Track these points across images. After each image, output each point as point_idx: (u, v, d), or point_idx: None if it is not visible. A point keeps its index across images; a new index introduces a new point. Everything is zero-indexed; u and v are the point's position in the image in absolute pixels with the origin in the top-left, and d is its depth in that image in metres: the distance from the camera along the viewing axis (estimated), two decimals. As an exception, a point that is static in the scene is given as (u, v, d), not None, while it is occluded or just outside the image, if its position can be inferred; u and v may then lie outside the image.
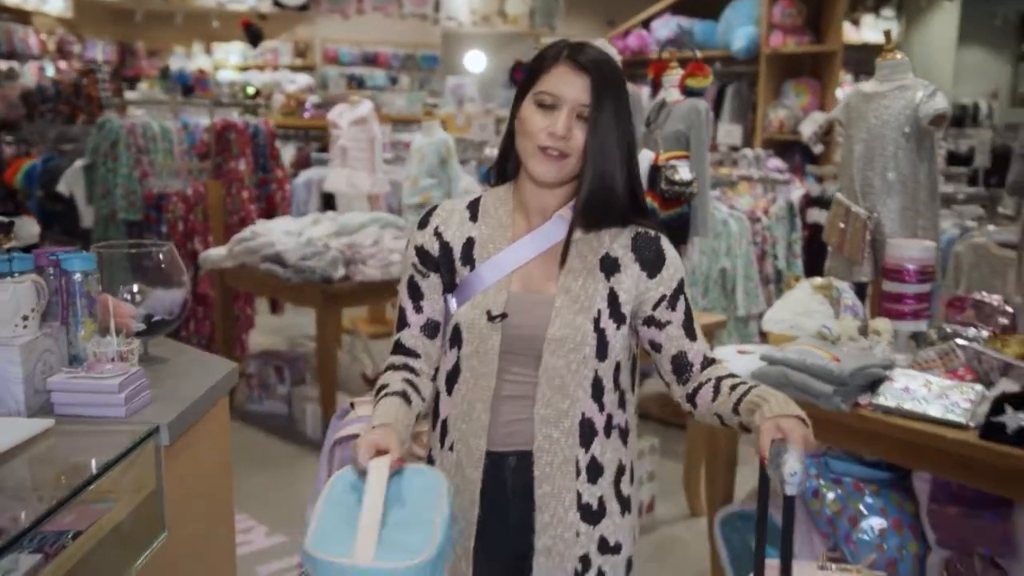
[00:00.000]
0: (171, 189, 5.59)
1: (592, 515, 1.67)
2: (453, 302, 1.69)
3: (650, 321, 1.69)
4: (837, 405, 2.68)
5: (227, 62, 12.07)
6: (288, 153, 7.50)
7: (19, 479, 1.70)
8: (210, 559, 2.28)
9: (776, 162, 6.43)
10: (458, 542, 1.63)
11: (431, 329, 1.71)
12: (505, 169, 1.74)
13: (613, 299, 1.65)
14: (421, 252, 1.70)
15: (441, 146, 5.35)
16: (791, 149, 7.15)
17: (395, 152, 6.97)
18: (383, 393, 1.63)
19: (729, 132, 6.38)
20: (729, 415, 1.62)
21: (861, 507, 2.92)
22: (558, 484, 1.65)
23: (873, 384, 2.75)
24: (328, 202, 6.38)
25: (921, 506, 2.82)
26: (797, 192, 5.46)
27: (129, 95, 7.21)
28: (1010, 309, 3.05)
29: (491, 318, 1.63)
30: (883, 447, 2.77)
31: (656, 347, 1.71)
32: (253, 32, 9.26)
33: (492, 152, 5.89)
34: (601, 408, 1.66)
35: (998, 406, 2.49)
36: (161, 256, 2.29)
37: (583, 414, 1.65)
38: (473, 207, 1.73)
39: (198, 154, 5.87)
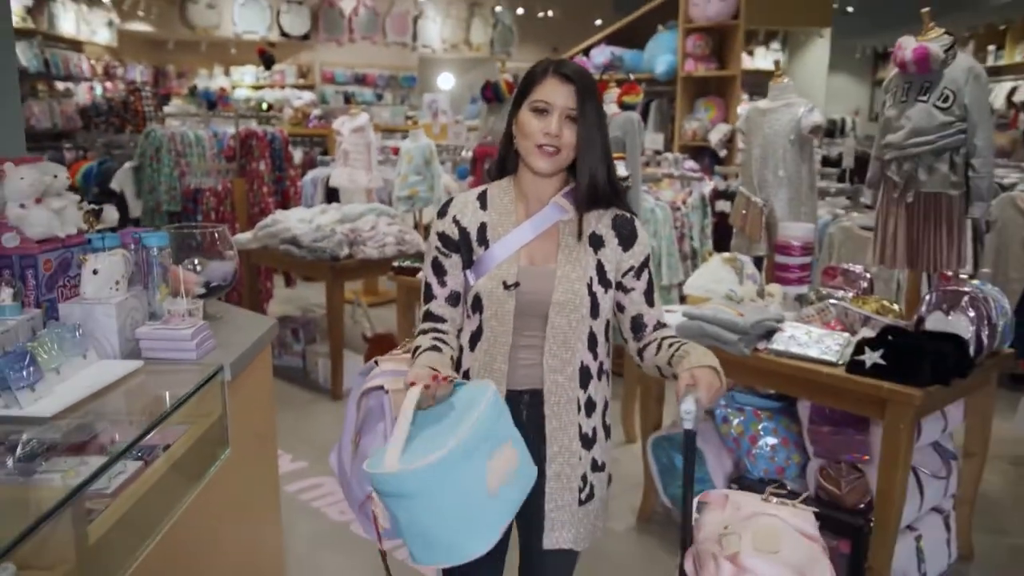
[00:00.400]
0: (205, 185, 5.55)
1: (588, 442, 1.68)
2: (472, 276, 1.66)
3: (619, 287, 1.69)
4: (741, 350, 2.74)
5: (242, 82, 11.82)
6: (296, 156, 7.43)
7: (119, 406, 1.72)
8: (260, 471, 2.30)
9: (691, 163, 6.39)
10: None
11: (454, 299, 1.69)
12: (505, 166, 1.72)
13: (600, 268, 1.65)
14: (443, 237, 1.68)
15: (425, 149, 5.35)
16: (702, 153, 7.11)
17: (384, 155, 6.96)
18: (418, 352, 1.60)
19: (654, 139, 6.39)
20: (664, 366, 1.62)
21: (759, 429, 2.99)
22: (564, 420, 1.65)
23: (768, 334, 2.79)
24: (331, 196, 6.33)
25: (803, 427, 2.87)
26: (707, 187, 5.45)
27: (167, 109, 7.10)
28: (869, 276, 3.11)
29: (506, 287, 1.61)
30: (775, 382, 2.83)
31: (620, 308, 1.71)
32: (267, 58, 9.12)
33: (467, 155, 5.89)
34: (595, 357, 1.66)
35: (859, 348, 2.55)
36: (216, 236, 2.34)
37: (582, 362, 1.64)
38: (482, 198, 1.70)
39: (226, 157, 5.81)
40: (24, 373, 1.59)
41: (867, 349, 2.54)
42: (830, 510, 2.75)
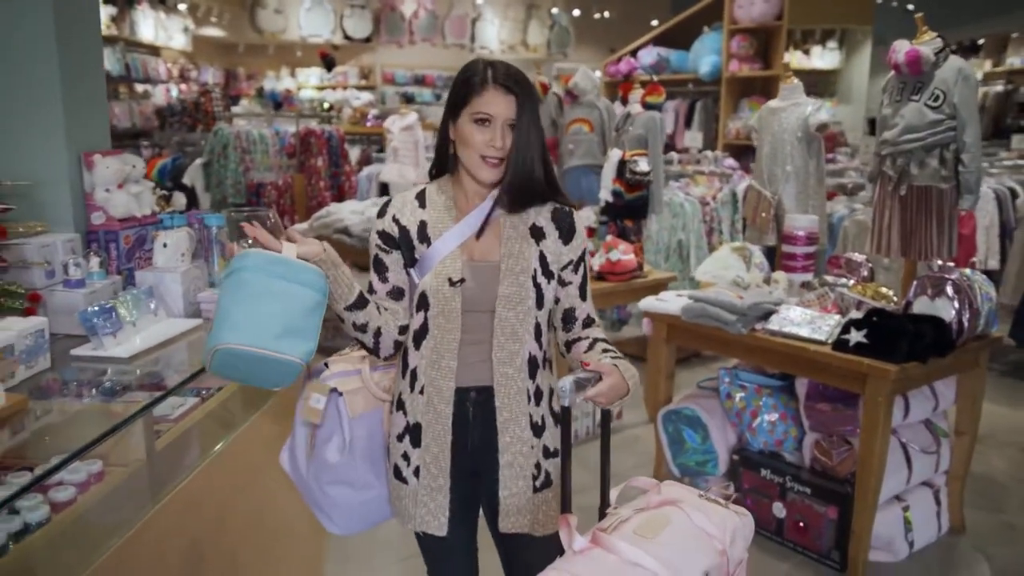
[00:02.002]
0: (267, 180, 6.00)
1: (538, 430, 1.69)
2: (416, 275, 1.65)
3: (559, 280, 1.70)
4: (738, 329, 2.98)
5: (307, 83, 12.38)
6: (354, 153, 7.80)
7: (181, 355, 2.07)
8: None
9: (730, 161, 6.56)
10: (434, 464, 1.66)
11: (396, 293, 1.68)
12: (443, 166, 1.70)
13: (543, 260, 1.65)
14: (383, 235, 1.66)
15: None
16: (745, 152, 7.12)
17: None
18: None
19: (693, 138, 6.57)
20: (579, 360, 1.64)
21: (760, 405, 3.20)
22: (515, 410, 1.65)
23: (766, 315, 3.01)
24: (384, 190, 6.72)
25: (800, 403, 3.07)
26: (742, 184, 5.64)
27: (235, 110, 7.61)
28: (869, 264, 3.28)
29: (452, 283, 1.60)
30: (770, 359, 3.04)
31: (555, 300, 1.71)
32: (328, 60, 9.60)
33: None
34: (540, 347, 1.67)
35: (846, 328, 2.77)
36: (269, 218, 2.70)
37: (529, 353, 1.65)
38: (420, 197, 1.68)
39: (287, 154, 6.25)
40: (109, 323, 1.98)
41: (852, 329, 2.76)
42: (822, 479, 2.99)
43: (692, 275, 4.99)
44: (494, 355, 1.63)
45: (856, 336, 2.75)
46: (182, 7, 10.44)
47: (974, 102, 2.97)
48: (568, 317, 1.73)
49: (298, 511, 2.56)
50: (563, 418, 1.54)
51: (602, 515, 1.58)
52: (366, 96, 10.97)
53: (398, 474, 1.71)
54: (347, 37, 11.62)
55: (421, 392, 1.66)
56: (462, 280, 1.61)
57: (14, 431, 1.61)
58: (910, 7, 11.13)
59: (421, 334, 1.65)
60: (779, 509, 3.10)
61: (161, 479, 1.75)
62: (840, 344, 2.77)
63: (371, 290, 1.68)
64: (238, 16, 11.33)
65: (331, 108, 8.45)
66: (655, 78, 4.31)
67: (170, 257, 2.30)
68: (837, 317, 2.94)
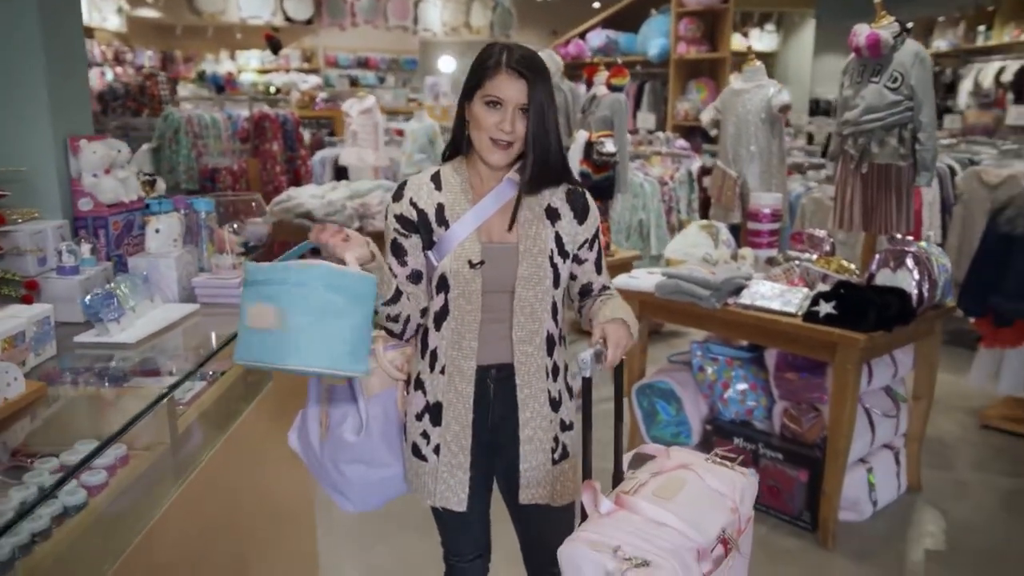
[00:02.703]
0: (221, 165, 5.90)
1: (556, 405, 1.73)
2: (434, 257, 1.66)
3: (574, 258, 1.74)
4: (712, 304, 3.08)
5: (248, 66, 12.11)
6: (305, 137, 7.72)
7: (186, 339, 2.07)
8: (293, 405, 2.67)
9: (682, 142, 6.66)
10: (455, 442, 1.70)
11: (415, 277, 1.69)
12: (458, 148, 1.72)
13: (559, 240, 1.68)
14: (401, 219, 1.67)
15: (429, 130, 5.70)
16: (693, 132, 7.33)
17: (388, 136, 7.26)
18: None
19: (646, 119, 6.69)
20: (591, 320, 1.70)
21: (731, 376, 3.34)
22: (534, 387, 1.69)
23: (737, 290, 3.12)
24: (339, 174, 6.66)
25: (770, 373, 3.21)
26: (696, 164, 5.78)
27: (180, 93, 7.43)
28: (831, 240, 3.43)
29: (472, 265, 1.62)
30: (743, 332, 3.16)
31: (572, 276, 1.76)
32: (274, 43, 9.40)
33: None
34: (556, 324, 1.72)
35: (815, 300, 2.89)
36: (252, 203, 2.70)
37: (547, 331, 1.69)
38: (435, 179, 1.70)
39: (240, 138, 6.16)
40: (112, 309, 1.97)
41: (822, 301, 2.90)
42: (792, 445, 3.14)
43: (652, 253, 5.13)
44: (514, 334, 1.67)
45: (825, 308, 2.88)
46: (116, -13, 10.09)
47: (930, 84, 3.13)
48: (585, 291, 1.79)
49: (294, 489, 2.59)
50: (584, 388, 1.59)
51: (616, 481, 1.67)
52: (314, 79, 10.80)
53: (417, 452, 1.74)
54: (288, 19, 11.36)
55: (442, 372, 1.69)
56: (482, 262, 1.63)
57: (34, 418, 1.61)
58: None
59: (442, 315, 1.67)
60: (752, 475, 3.23)
61: (183, 461, 1.77)
62: (810, 316, 2.91)
63: (391, 275, 1.67)
64: (175, -3, 11.00)
65: (279, 91, 8.31)
66: (620, 60, 4.39)
67: (163, 242, 2.29)
68: (805, 290, 3.08)
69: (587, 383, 1.58)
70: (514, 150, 1.62)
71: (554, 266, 1.67)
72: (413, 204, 1.67)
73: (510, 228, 1.66)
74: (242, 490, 2.10)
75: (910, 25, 3.24)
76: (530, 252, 1.65)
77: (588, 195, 1.76)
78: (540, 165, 1.63)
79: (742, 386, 3.35)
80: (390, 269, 1.68)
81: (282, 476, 2.39)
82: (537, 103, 1.59)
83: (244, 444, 2.11)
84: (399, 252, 1.69)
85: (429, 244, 1.68)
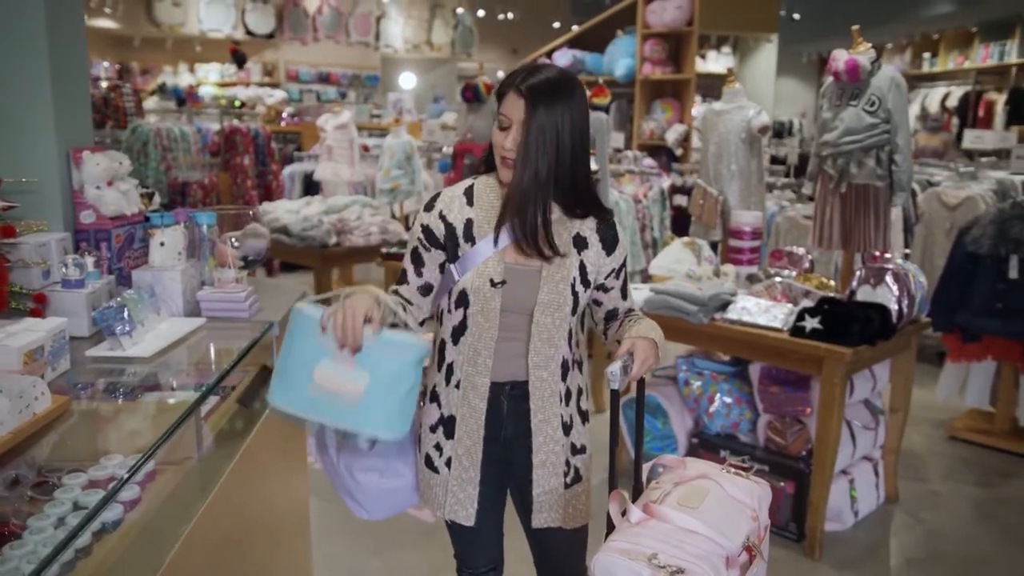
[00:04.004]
0: (191, 179, 5.82)
1: (567, 429, 1.73)
2: (456, 272, 1.67)
3: (600, 287, 1.74)
4: (700, 319, 3.13)
5: (208, 79, 11.98)
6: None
7: (197, 353, 2.06)
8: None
9: (649, 161, 6.72)
10: (467, 456, 1.71)
11: (425, 289, 1.71)
12: (493, 163, 1.72)
13: (583, 269, 1.67)
14: (427, 231, 1.68)
15: (406, 145, 5.70)
16: (659, 151, 7.46)
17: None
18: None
19: (615, 138, 6.73)
20: (616, 340, 1.74)
21: (715, 390, 3.40)
22: (548, 412, 1.70)
23: (724, 306, 3.18)
24: (308, 189, 6.63)
25: (754, 387, 3.28)
26: (666, 182, 5.84)
27: (146, 106, 7.31)
28: (810, 257, 3.57)
29: (493, 284, 1.63)
30: (730, 346, 3.22)
31: (598, 303, 1.78)
32: (239, 56, 9.32)
33: (448, 151, 6.23)
34: (571, 349, 1.72)
35: (801, 316, 2.97)
36: (252, 214, 2.68)
37: (563, 357, 1.69)
38: (468, 193, 1.70)
39: (210, 152, 6.09)
40: (124, 323, 1.94)
41: (807, 316, 2.98)
42: (777, 457, 3.21)
43: (628, 270, 5.17)
44: (530, 359, 1.68)
45: (811, 323, 2.96)
46: (73, -3, 9.88)
47: (905, 107, 3.27)
48: (611, 315, 1.81)
49: (291, 503, 2.57)
50: (612, 401, 1.63)
51: (636, 492, 1.71)
52: (279, 94, 10.72)
53: (429, 463, 1.76)
54: (249, 32, 11.31)
55: (457, 386, 1.70)
56: (503, 282, 1.64)
57: (56, 433, 1.58)
58: (796, 16, 11.86)
59: (460, 330, 1.69)
60: (738, 487, 3.29)
61: (206, 475, 1.75)
62: (797, 331, 2.98)
63: (403, 279, 1.71)
64: (133, 8, 10.83)
65: (243, 105, 8.23)
66: (601, 80, 4.46)
67: (167, 255, 2.26)
68: (789, 306, 3.15)
69: (615, 396, 1.61)
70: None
71: (575, 294, 1.68)
72: (442, 217, 1.68)
73: (525, 251, 1.65)
74: (248, 506, 2.08)
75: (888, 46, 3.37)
76: (552, 278, 1.66)
77: (618, 227, 1.77)
78: (525, 184, 1.58)
79: (727, 400, 3.41)
80: (403, 274, 1.72)
81: (281, 493, 2.37)
82: (537, 124, 1.56)
83: (251, 460, 2.09)
84: (418, 262, 1.71)
85: (454, 258, 1.68)
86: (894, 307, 3.07)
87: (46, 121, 2.19)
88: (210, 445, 1.84)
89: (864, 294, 3.15)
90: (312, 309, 1.54)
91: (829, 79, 3.46)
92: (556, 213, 1.65)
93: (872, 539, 3.23)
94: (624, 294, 1.80)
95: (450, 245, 1.68)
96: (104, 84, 7.38)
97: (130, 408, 1.74)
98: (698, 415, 3.49)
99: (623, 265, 1.77)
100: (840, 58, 3.31)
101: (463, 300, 1.67)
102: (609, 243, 1.72)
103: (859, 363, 2.98)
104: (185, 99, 9.56)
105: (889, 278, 3.12)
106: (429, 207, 1.71)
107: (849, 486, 3.29)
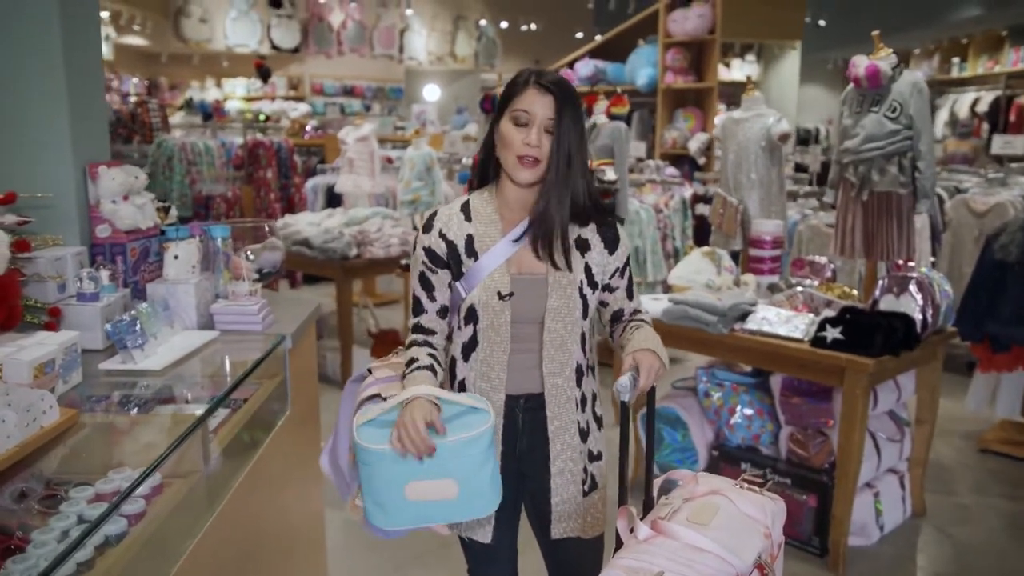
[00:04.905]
0: (215, 192, 5.87)
1: (584, 435, 1.72)
2: (463, 288, 1.65)
3: (606, 287, 1.73)
4: (719, 330, 3.10)
5: (234, 94, 12.13)
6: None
7: (209, 366, 2.06)
8: (308, 432, 2.62)
9: (671, 170, 6.72)
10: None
11: (443, 312, 1.69)
12: (486, 176, 1.71)
13: (588, 271, 1.66)
14: (430, 252, 1.66)
15: (427, 157, 5.71)
16: (682, 160, 7.44)
17: (379, 164, 7.29)
18: (414, 366, 1.60)
19: (637, 147, 6.71)
20: (622, 346, 1.71)
21: (737, 401, 3.36)
22: (564, 419, 1.68)
23: (743, 316, 3.15)
24: (331, 201, 6.67)
25: (775, 398, 3.24)
26: (688, 192, 5.82)
27: (172, 120, 7.40)
28: (832, 266, 3.51)
29: (501, 297, 1.62)
30: (750, 357, 3.18)
31: (603, 304, 1.76)
32: (264, 71, 9.43)
33: (467, 161, 6.24)
34: (584, 354, 1.70)
35: (822, 326, 2.93)
36: (267, 228, 2.70)
37: (576, 362, 1.67)
38: (465, 209, 1.68)
39: (234, 165, 6.14)
40: (136, 336, 1.95)
41: (828, 326, 2.93)
42: (800, 470, 3.15)
43: (649, 280, 5.15)
44: (544, 367, 1.66)
45: (832, 333, 2.91)
46: (103, 15, 10.08)
47: (928, 113, 3.21)
48: (616, 317, 1.79)
49: (307, 519, 2.56)
50: (622, 413, 1.58)
51: (647, 507, 1.67)
52: (303, 107, 10.82)
53: None
54: (275, 47, 11.44)
55: None
56: (511, 294, 1.63)
57: (65, 446, 1.59)
58: (821, 23, 11.75)
59: (470, 347, 1.67)
60: (760, 500, 3.23)
61: (214, 489, 1.75)
62: (818, 341, 2.94)
63: (420, 309, 1.69)
64: (161, 25, 11.01)
65: (268, 119, 8.32)
66: (620, 89, 4.44)
67: (181, 269, 2.27)
68: (811, 316, 3.11)
69: (625, 408, 1.58)
70: (541, 168, 1.60)
71: (583, 297, 1.66)
72: (443, 236, 1.67)
73: (539, 256, 1.65)
74: (261, 518, 2.08)
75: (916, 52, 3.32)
76: (560, 283, 1.64)
77: (619, 226, 1.76)
78: (559, 180, 1.59)
79: (748, 411, 3.37)
80: (418, 302, 1.70)
81: (295, 505, 2.37)
82: (565, 122, 1.57)
83: (264, 472, 2.09)
84: (428, 287, 1.69)
85: (458, 275, 1.67)
86: (918, 317, 3.01)
87: (63, 137, 2.21)
88: (219, 458, 1.83)
89: (887, 303, 3.09)
90: (374, 438, 1.53)
91: (850, 86, 3.41)
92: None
93: (898, 554, 3.16)
94: (630, 294, 1.77)
95: (453, 263, 1.67)
96: (133, 100, 7.50)
97: (139, 421, 1.74)
98: (719, 427, 3.45)
99: (627, 264, 1.75)
100: (860, 64, 3.26)
101: (472, 316, 1.65)
102: (611, 241, 1.70)
103: (882, 374, 2.92)
104: (211, 114, 9.69)
105: (913, 287, 3.06)
106: (428, 228, 1.69)
107: (874, 499, 3.23)
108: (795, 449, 3.21)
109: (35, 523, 1.39)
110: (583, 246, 1.68)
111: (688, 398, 3.56)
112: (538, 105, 1.57)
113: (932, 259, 4.68)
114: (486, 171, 1.72)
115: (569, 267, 1.64)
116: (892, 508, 3.30)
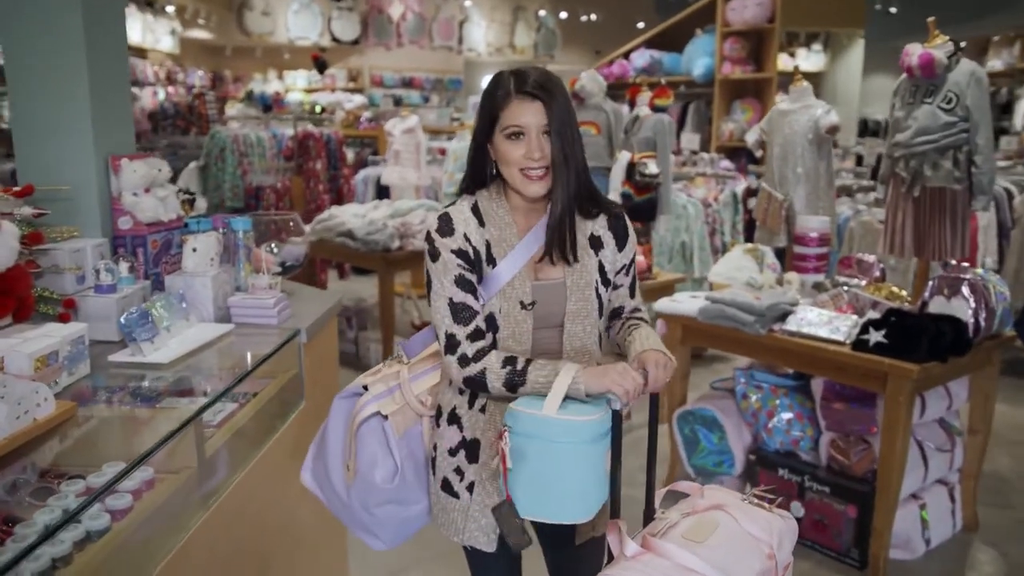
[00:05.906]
0: (265, 183, 5.95)
1: None
2: (481, 295, 1.59)
3: (612, 284, 1.71)
4: (757, 330, 2.99)
5: (295, 86, 12.32)
6: (349, 156, 7.76)
7: (217, 359, 2.05)
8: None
9: (726, 163, 6.61)
10: (491, 481, 1.63)
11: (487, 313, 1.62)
12: (482, 177, 1.63)
13: (602, 269, 1.64)
14: (462, 254, 1.56)
15: (471, 150, 5.70)
16: (738, 153, 7.28)
17: (431, 155, 7.28)
18: (522, 363, 1.51)
19: (690, 140, 6.62)
20: (620, 345, 1.70)
21: (776, 405, 3.24)
22: None
23: (783, 316, 3.03)
24: (381, 193, 6.70)
25: (816, 403, 3.11)
26: (741, 185, 5.66)
27: (228, 112, 7.57)
28: (881, 265, 3.35)
29: (524, 306, 1.58)
30: (789, 359, 3.05)
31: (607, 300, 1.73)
32: (320, 63, 9.57)
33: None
34: (601, 354, 1.69)
35: (864, 328, 2.79)
36: (291, 223, 2.70)
37: (596, 363, 1.64)
38: (476, 213, 1.60)
39: (285, 156, 6.21)
40: (146, 329, 1.96)
41: (871, 329, 2.79)
42: (840, 478, 3.02)
43: (696, 276, 5.03)
44: None
45: (875, 336, 2.77)
46: (169, 9, 10.35)
47: (987, 104, 3.02)
48: (615, 314, 1.75)
49: (324, 516, 2.55)
50: (614, 423, 1.48)
51: (647, 520, 1.61)
52: (359, 99, 10.94)
53: (448, 488, 1.66)
54: (335, 39, 11.59)
55: (482, 410, 1.62)
56: (533, 303, 1.58)
57: (64, 438, 1.59)
58: (892, 10, 11.29)
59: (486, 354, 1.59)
60: (797, 508, 3.12)
61: (211, 484, 1.74)
62: (859, 344, 2.80)
63: (471, 315, 1.57)
64: (225, 18, 11.26)
65: (324, 111, 8.41)
66: (663, 80, 4.33)
67: (199, 261, 2.27)
68: (854, 318, 2.97)
69: (617, 417, 1.49)
70: (549, 177, 1.54)
71: (599, 297, 1.64)
72: (467, 238, 1.58)
73: (554, 262, 1.60)
74: (272, 516, 2.07)
75: (963, 44, 3.13)
76: (577, 286, 1.61)
77: (627, 219, 1.71)
78: (571, 188, 1.55)
79: (787, 415, 3.24)
80: (466, 307, 1.56)
81: (314, 502, 2.35)
82: (558, 123, 1.51)
83: (274, 468, 2.08)
84: (470, 287, 1.57)
85: (478, 282, 1.60)
86: (970, 320, 2.84)
87: (84, 129, 2.23)
88: (222, 452, 1.82)
89: (937, 306, 2.93)
90: (589, 413, 1.44)
91: (903, 75, 3.23)
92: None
93: (945, 570, 3.00)
94: (632, 292, 1.74)
95: (477, 267, 1.59)
96: (179, 92, 7.67)
97: (139, 414, 1.74)
98: (756, 430, 3.33)
99: (632, 261, 1.72)
100: (914, 52, 3.08)
101: (491, 324, 1.58)
102: (621, 236, 1.68)
103: (928, 380, 2.76)
104: (271, 105, 9.88)
105: (965, 289, 2.88)
106: (449, 231, 1.57)
107: (919, 511, 3.07)
108: (836, 456, 3.07)
109: (25, 516, 1.39)
110: (596, 244, 1.65)
111: (726, 399, 3.44)
112: (528, 115, 1.51)
113: (995, 257, 4.43)
114: (477, 178, 1.64)
115: (576, 258, 1.60)
116: (940, 521, 3.14)
